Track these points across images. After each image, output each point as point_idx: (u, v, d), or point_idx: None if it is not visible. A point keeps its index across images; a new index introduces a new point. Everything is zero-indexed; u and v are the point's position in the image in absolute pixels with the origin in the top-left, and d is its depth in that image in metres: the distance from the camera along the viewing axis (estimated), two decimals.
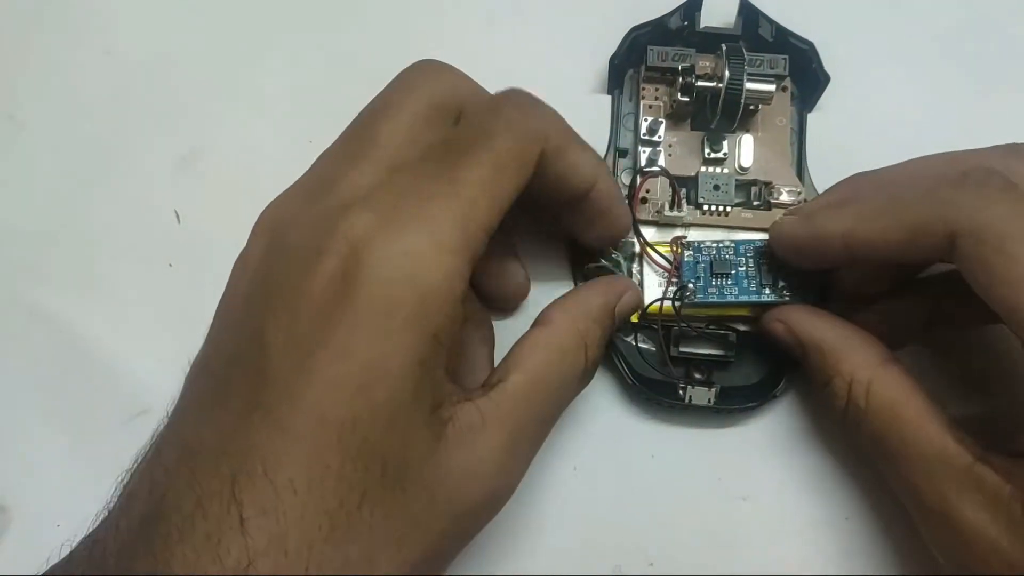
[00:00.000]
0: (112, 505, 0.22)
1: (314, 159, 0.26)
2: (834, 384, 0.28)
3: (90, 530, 0.22)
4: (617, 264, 0.31)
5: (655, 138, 0.32)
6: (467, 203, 0.23)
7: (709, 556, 0.31)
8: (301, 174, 0.26)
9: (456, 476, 0.23)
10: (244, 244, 0.26)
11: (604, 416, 0.32)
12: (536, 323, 0.28)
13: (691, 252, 0.31)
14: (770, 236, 0.30)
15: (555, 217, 0.29)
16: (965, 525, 0.25)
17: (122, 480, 0.23)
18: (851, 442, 0.31)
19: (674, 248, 0.31)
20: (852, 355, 0.28)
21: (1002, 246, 0.24)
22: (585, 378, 0.28)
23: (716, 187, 0.32)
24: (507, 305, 0.32)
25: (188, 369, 0.25)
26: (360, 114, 0.26)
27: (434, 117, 0.26)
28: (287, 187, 0.26)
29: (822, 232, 0.28)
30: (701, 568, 0.31)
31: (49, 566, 0.22)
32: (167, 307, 0.33)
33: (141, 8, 0.37)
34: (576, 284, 0.32)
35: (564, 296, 0.29)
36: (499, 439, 0.24)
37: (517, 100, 0.26)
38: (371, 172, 0.24)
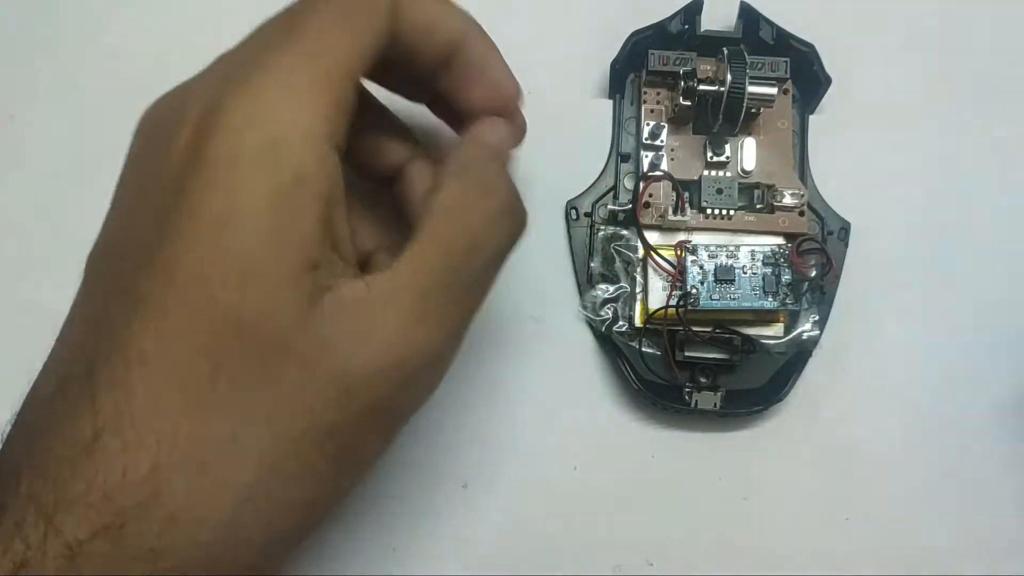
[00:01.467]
0: None
1: None
2: None
3: None
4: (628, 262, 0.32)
5: (657, 142, 0.32)
6: (312, 44, 0.22)
7: (709, 556, 0.32)
8: None
9: (339, 346, 0.21)
10: None
11: (604, 417, 0.32)
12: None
13: (695, 257, 0.31)
14: None
15: (431, 93, 0.27)
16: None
17: None
18: None
19: (678, 252, 0.31)
20: None
21: None
22: (510, 216, 0.25)
23: (719, 191, 0.32)
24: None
25: None
26: None
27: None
28: None
29: None
30: (701, 568, 0.31)
31: None
32: None
33: (142, 9, 0.36)
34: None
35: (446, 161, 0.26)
36: (398, 309, 0.22)
37: None
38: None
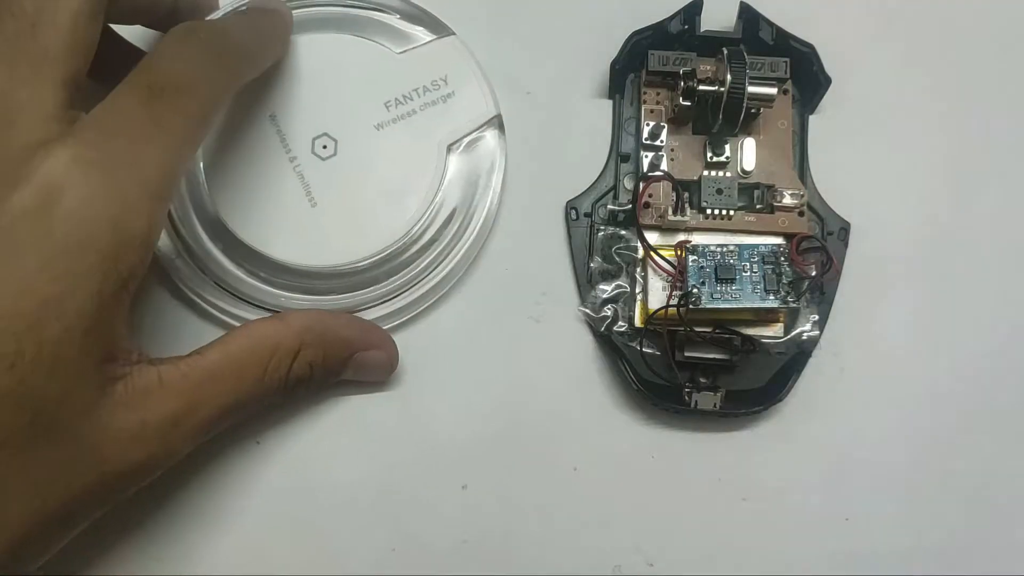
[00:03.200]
0: None
1: None
2: None
3: None
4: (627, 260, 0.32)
5: (657, 142, 0.32)
6: (175, 145, 0.23)
7: (709, 556, 0.32)
8: None
9: (115, 437, 0.23)
10: None
11: (604, 417, 0.32)
12: (275, 314, 0.29)
13: (695, 257, 0.31)
14: None
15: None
16: None
17: None
18: None
19: (678, 253, 0.31)
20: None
21: None
22: (279, 392, 0.27)
23: (719, 191, 0.32)
24: None
25: None
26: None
27: (96, 11, 0.24)
28: None
29: None
30: (701, 568, 0.32)
31: None
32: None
33: None
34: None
35: (331, 312, 0.30)
36: (172, 408, 0.24)
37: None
38: (51, 98, 0.22)
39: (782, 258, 0.31)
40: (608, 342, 0.32)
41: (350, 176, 0.32)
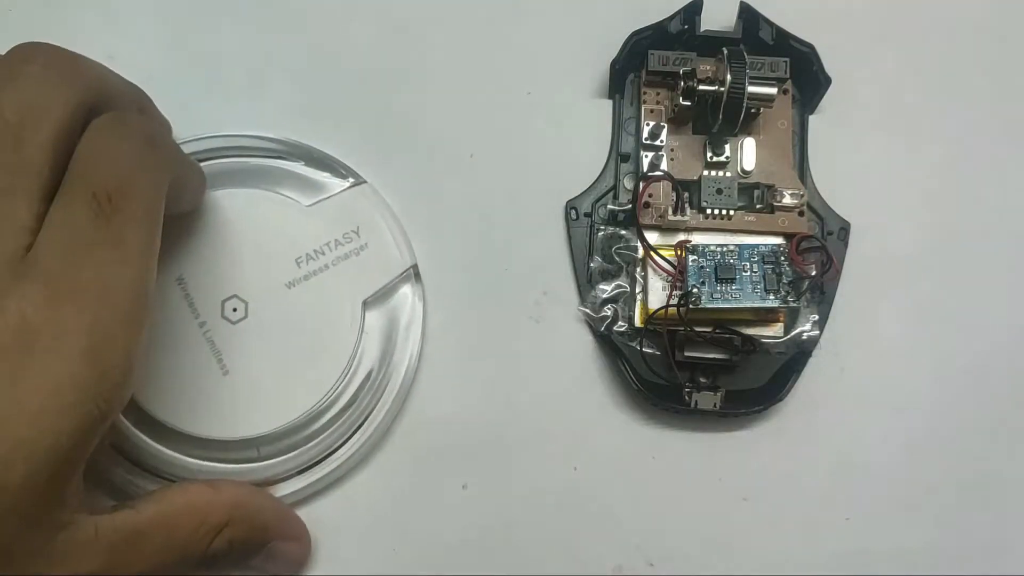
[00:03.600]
0: None
1: None
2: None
3: None
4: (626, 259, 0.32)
5: (657, 142, 0.32)
6: (138, 260, 0.22)
7: (709, 556, 0.32)
8: None
9: None
10: None
11: (604, 417, 0.32)
12: (209, 481, 0.27)
13: (695, 257, 0.31)
14: None
15: None
16: None
17: None
18: None
19: (678, 252, 0.31)
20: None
21: None
22: (197, 562, 0.26)
23: (719, 191, 0.32)
24: None
25: None
26: None
27: (78, 124, 0.23)
28: None
29: None
30: (701, 568, 0.32)
31: None
32: None
33: (143, 10, 0.36)
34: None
35: (259, 490, 0.29)
36: (100, 563, 0.23)
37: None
38: (26, 210, 0.22)
39: (782, 258, 0.31)
40: (608, 342, 0.32)
41: (262, 339, 0.31)
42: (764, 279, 0.30)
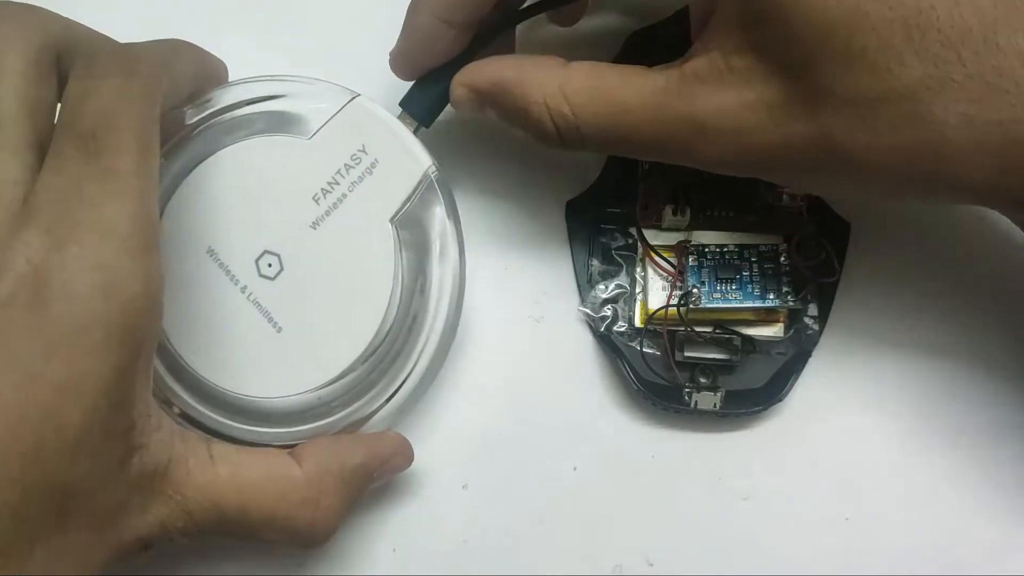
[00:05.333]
0: None
1: None
2: (532, 113, 0.28)
3: None
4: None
5: None
6: (135, 189, 0.22)
7: (709, 556, 0.32)
8: None
9: (126, 513, 0.23)
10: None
11: (604, 417, 0.32)
12: (291, 451, 0.28)
13: (695, 256, 0.31)
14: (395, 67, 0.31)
15: None
16: (703, 113, 0.25)
17: None
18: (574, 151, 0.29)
19: (678, 253, 0.31)
20: (531, 76, 0.28)
21: None
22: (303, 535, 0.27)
23: (719, 190, 0.32)
24: None
25: None
26: None
27: (44, 72, 0.23)
28: None
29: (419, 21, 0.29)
30: (701, 568, 0.32)
31: None
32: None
33: (143, 9, 0.36)
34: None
35: (333, 439, 0.29)
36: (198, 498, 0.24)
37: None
38: (13, 162, 0.22)
39: (782, 258, 0.31)
40: (608, 342, 0.32)
41: (305, 286, 0.30)
42: (763, 279, 0.30)
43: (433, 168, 0.30)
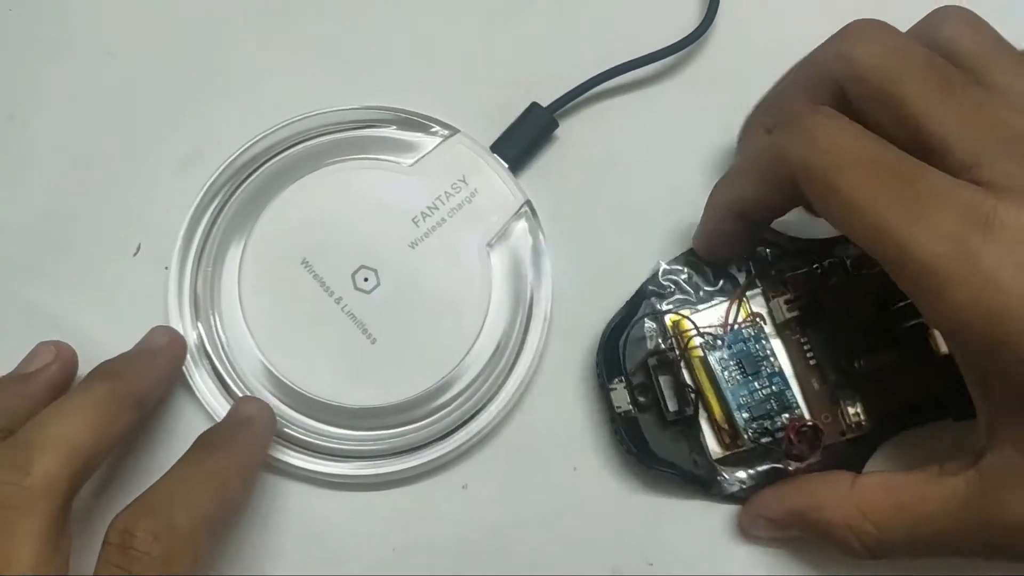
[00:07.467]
0: None
1: None
2: (835, 535, 0.28)
3: None
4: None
5: None
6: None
7: (709, 556, 0.32)
8: None
9: None
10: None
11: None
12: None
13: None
14: (698, 254, 0.32)
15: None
16: (1013, 519, 0.25)
17: None
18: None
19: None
20: (825, 501, 0.28)
21: (826, 180, 0.25)
22: None
23: None
24: None
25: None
26: None
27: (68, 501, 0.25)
28: None
29: (716, 215, 0.30)
30: (701, 568, 0.32)
31: None
32: (163, 308, 0.33)
33: (143, 8, 0.37)
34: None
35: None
36: None
37: None
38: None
39: None
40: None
41: (400, 301, 0.32)
42: None
43: (528, 203, 0.33)
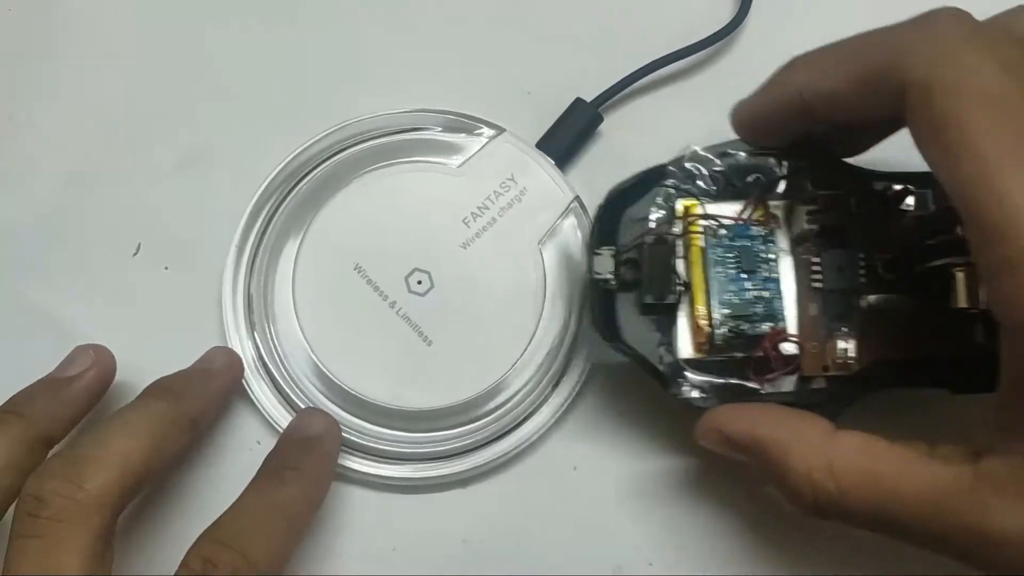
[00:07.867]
0: None
1: None
2: (790, 480, 0.26)
3: None
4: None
5: None
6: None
7: (709, 556, 0.32)
8: None
9: None
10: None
11: (604, 416, 0.33)
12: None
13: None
14: (731, 121, 0.30)
15: None
16: (1000, 532, 0.22)
17: None
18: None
19: None
20: (795, 444, 0.26)
21: (948, 104, 0.22)
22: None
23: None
24: None
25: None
26: None
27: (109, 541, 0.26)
28: None
29: (779, 94, 0.27)
30: (701, 568, 0.32)
31: None
32: (164, 309, 0.34)
33: (142, 8, 0.37)
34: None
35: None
36: None
37: None
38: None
39: None
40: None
41: (455, 302, 0.32)
42: None
43: (577, 199, 0.33)
